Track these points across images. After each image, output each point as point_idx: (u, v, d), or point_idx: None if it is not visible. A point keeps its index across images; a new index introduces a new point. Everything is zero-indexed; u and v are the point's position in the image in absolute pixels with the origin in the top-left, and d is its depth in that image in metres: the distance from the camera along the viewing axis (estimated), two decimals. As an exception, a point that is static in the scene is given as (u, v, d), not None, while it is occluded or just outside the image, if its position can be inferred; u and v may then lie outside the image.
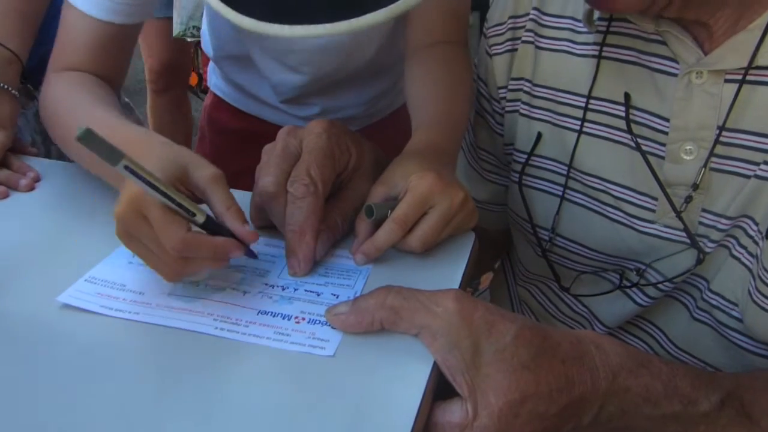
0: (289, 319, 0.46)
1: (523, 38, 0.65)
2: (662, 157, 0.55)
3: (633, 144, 0.56)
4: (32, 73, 0.93)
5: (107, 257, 0.52)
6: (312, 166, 0.49)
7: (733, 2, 0.49)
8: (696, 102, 0.52)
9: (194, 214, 0.44)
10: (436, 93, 0.65)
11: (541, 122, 0.64)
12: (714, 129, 0.52)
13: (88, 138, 0.38)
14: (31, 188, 0.63)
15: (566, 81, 0.61)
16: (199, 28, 1.59)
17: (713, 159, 0.52)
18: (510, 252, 0.80)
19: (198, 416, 0.39)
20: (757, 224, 0.51)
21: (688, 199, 0.54)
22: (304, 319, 0.46)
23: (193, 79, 2.60)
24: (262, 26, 0.41)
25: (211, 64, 0.98)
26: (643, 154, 0.55)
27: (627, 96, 0.56)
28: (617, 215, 0.59)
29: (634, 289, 0.60)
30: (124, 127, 0.54)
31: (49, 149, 1.01)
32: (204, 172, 0.46)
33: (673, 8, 0.48)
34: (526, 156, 0.65)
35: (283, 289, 0.49)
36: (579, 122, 0.60)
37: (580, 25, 0.60)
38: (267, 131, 0.92)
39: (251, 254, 0.48)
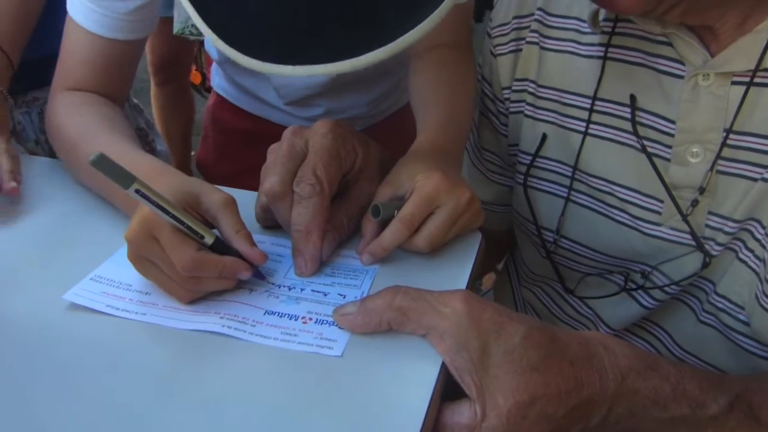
0: (296, 320, 0.46)
1: (528, 39, 0.64)
2: (668, 160, 0.55)
3: (639, 146, 0.56)
4: (30, 72, 0.93)
5: (112, 256, 0.52)
6: (318, 166, 0.49)
7: (738, 4, 0.49)
8: (703, 104, 0.52)
9: (203, 236, 0.45)
10: (441, 95, 0.65)
11: (546, 123, 0.64)
12: (721, 131, 0.52)
13: (102, 163, 0.40)
14: (11, 193, 0.60)
15: (571, 82, 0.61)
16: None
17: (720, 162, 0.52)
18: (514, 253, 0.80)
19: (205, 416, 0.38)
20: (764, 227, 0.51)
21: (695, 203, 0.54)
22: (311, 319, 0.46)
23: (197, 78, 2.60)
24: (266, 66, 0.42)
25: (214, 64, 0.98)
26: (649, 156, 0.55)
27: (633, 98, 0.56)
28: (623, 217, 0.59)
29: (639, 291, 0.60)
30: (136, 155, 0.55)
31: (53, 149, 1.01)
32: (214, 197, 0.47)
33: (675, 13, 0.48)
34: (530, 157, 0.65)
35: (290, 289, 0.49)
36: (584, 124, 0.60)
37: (586, 25, 0.60)
38: (270, 131, 0.92)
39: (259, 275, 0.48)
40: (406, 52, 0.43)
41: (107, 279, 0.49)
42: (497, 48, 0.67)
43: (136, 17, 0.63)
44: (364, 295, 0.48)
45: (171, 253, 0.44)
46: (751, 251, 0.53)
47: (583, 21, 0.60)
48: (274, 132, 0.89)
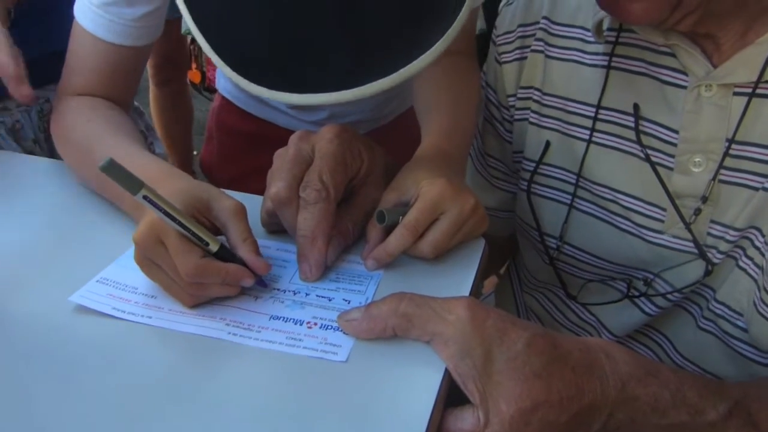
0: (301, 325, 0.46)
1: (533, 47, 0.65)
2: (671, 169, 0.55)
3: (642, 155, 0.56)
4: (29, 71, 0.93)
5: (118, 258, 0.52)
6: (324, 171, 0.50)
7: (741, 16, 0.49)
8: (705, 115, 0.53)
9: (208, 243, 0.46)
10: (445, 101, 0.66)
11: (550, 131, 0.64)
12: (723, 141, 0.52)
13: (111, 168, 0.41)
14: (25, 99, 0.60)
15: (576, 90, 0.62)
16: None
17: (722, 171, 0.53)
18: (516, 259, 0.80)
19: (209, 419, 0.39)
20: (764, 236, 0.52)
21: (697, 211, 0.54)
22: (316, 324, 0.46)
23: (196, 77, 2.61)
24: (273, 93, 0.43)
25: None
26: (653, 165, 0.56)
27: (636, 107, 0.57)
28: (626, 225, 0.59)
29: (642, 298, 0.61)
30: (144, 158, 0.56)
31: (53, 148, 1.01)
32: (225, 203, 0.48)
33: (687, 22, 0.49)
34: (534, 164, 0.65)
35: (295, 294, 0.49)
36: (588, 132, 0.60)
37: (590, 35, 0.60)
38: (275, 134, 0.93)
39: (262, 284, 0.49)
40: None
41: (113, 281, 0.50)
42: (502, 56, 0.68)
43: (143, 23, 0.64)
44: (369, 300, 0.49)
45: (176, 259, 0.44)
46: (751, 259, 0.53)
47: (588, 30, 0.60)
48: (279, 135, 0.89)
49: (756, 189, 0.52)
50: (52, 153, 1.01)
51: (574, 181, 0.62)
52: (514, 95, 0.67)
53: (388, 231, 0.52)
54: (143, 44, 0.66)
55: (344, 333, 0.45)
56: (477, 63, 0.74)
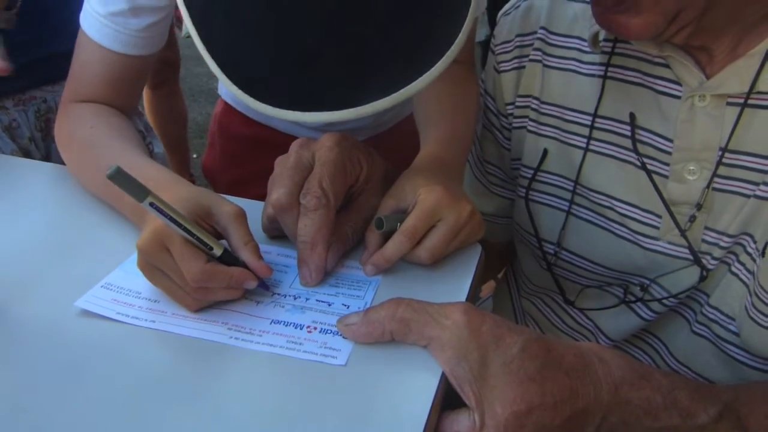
0: (301, 329, 0.47)
1: (531, 56, 0.66)
2: (666, 177, 0.56)
3: (638, 163, 0.57)
4: (28, 72, 0.94)
5: (122, 263, 0.53)
6: (324, 178, 0.50)
7: (733, 29, 0.50)
8: (699, 124, 0.54)
9: (212, 248, 0.47)
10: (444, 109, 0.67)
11: (548, 139, 0.65)
12: (716, 150, 0.53)
13: (118, 176, 0.42)
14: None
15: (573, 99, 0.63)
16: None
17: (716, 179, 0.54)
18: (514, 264, 0.81)
19: (210, 422, 0.40)
20: (755, 242, 0.53)
21: (692, 218, 0.55)
22: (316, 328, 0.47)
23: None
24: (277, 111, 0.44)
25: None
26: (648, 173, 0.57)
27: (632, 116, 0.58)
28: (622, 231, 0.60)
29: (638, 303, 0.62)
30: (147, 165, 0.57)
31: (49, 147, 1.03)
32: (225, 209, 0.49)
33: (682, 35, 0.50)
34: (532, 171, 0.66)
35: (295, 299, 0.50)
36: (585, 140, 0.61)
37: (587, 45, 0.61)
38: (277, 139, 0.94)
39: (264, 286, 0.50)
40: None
41: (117, 286, 0.51)
42: (501, 64, 0.69)
43: (148, 33, 0.65)
44: (368, 305, 0.50)
45: (181, 265, 0.45)
46: (743, 264, 0.54)
47: (584, 40, 0.62)
48: (281, 140, 0.90)
49: (748, 196, 0.53)
50: (48, 152, 1.03)
51: (571, 188, 0.63)
52: (512, 103, 0.68)
53: (387, 237, 0.53)
54: (148, 53, 0.67)
55: (343, 337, 0.46)
56: (475, 71, 0.75)
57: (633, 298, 0.62)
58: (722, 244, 0.55)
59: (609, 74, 0.59)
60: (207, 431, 0.39)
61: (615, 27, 0.50)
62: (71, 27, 0.96)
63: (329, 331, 0.47)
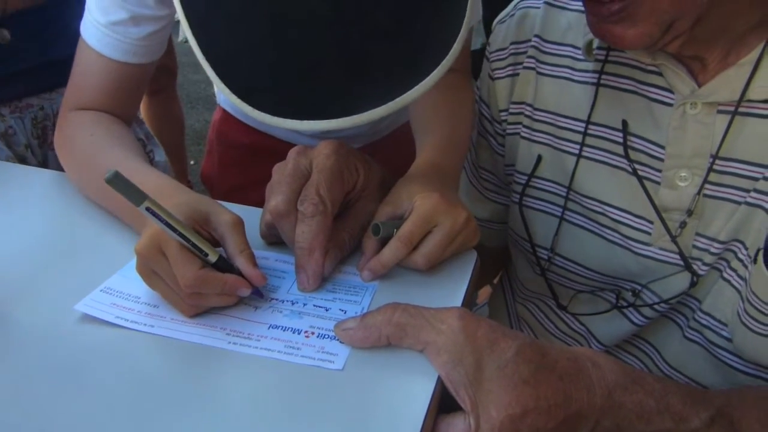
0: (299, 334, 0.47)
1: (525, 64, 0.67)
2: (658, 183, 0.57)
3: (630, 169, 0.58)
4: (24, 79, 0.95)
5: (122, 268, 0.53)
6: (321, 185, 0.51)
7: (724, 39, 0.51)
8: (690, 131, 0.54)
9: (207, 254, 0.47)
10: (440, 117, 0.68)
11: (541, 145, 0.66)
12: (707, 157, 0.54)
13: (116, 181, 0.43)
14: None
15: (566, 106, 0.64)
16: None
17: (707, 186, 0.55)
18: (509, 269, 0.82)
19: (210, 426, 0.40)
20: (746, 248, 0.54)
21: (683, 224, 0.56)
22: (313, 333, 0.48)
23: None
24: (275, 120, 0.45)
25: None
26: (640, 179, 0.58)
27: (625, 123, 0.59)
28: (614, 237, 0.61)
29: (630, 309, 0.62)
30: (146, 172, 0.57)
31: (46, 155, 1.03)
32: (223, 217, 0.50)
33: (675, 45, 0.51)
34: (526, 177, 0.67)
35: (293, 304, 0.51)
36: (578, 146, 0.62)
37: (580, 53, 0.62)
38: (275, 146, 0.95)
39: (258, 294, 0.50)
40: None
41: (117, 291, 0.51)
42: (495, 72, 0.70)
43: (148, 42, 0.66)
44: (365, 310, 0.50)
45: (176, 270, 0.46)
46: (735, 271, 0.55)
47: (578, 48, 0.62)
48: (279, 147, 0.90)
49: (739, 203, 0.54)
50: (45, 159, 1.03)
51: (564, 194, 0.64)
52: (506, 110, 0.69)
53: (383, 243, 0.53)
54: (148, 61, 0.68)
55: (340, 342, 0.46)
56: (471, 79, 0.76)
57: (625, 304, 0.63)
58: (713, 250, 0.56)
59: (602, 82, 0.60)
60: (205, 435, 0.40)
61: (610, 37, 0.51)
62: (69, 35, 0.96)
63: (326, 336, 0.47)
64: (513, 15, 0.69)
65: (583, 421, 0.43)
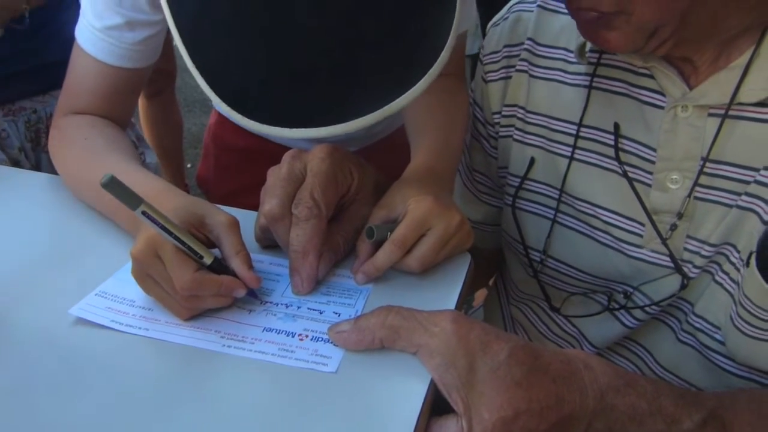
0: (293, 336, 0.48)
1: (518, 67, 0.67)
2: (649, 185, 0.58)
3: (621, 171, 0.59)
4: (18, 83, 0.95)
5: (117, 272, 0.54)
6: (316, 189, 0.51)
7: (714, 41, 0.52)
8: (681, 134, 0.55)
9: (202, 257, 0.48)
10: (434, 120, 0.68)
11: (534, 148, 0.66)
12: (698, 160, 0.55)
13: (112, 185, 0.43)
14: None
15: (558, 109, 0.64)
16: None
17: (697, 188, 0.55)
18: (503, 271, 0.82)
19: (204, 429, 0.40)
20: (738, 252, 0.54)
21: (674, 227, 0.56)
22: (307, 336, 0.48)
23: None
24: (265, 128, 0.45)
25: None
26: (630, 181, 0.58)
27: (616, 126, 0.59)
28: (606, 239, 0.61)
29: (621, 311, 0.63)
30: (141, 176, 0.58)
31: (39, 158, 1.03)
32: (219, 218, 0.50)
33: (664, 48, 0.51)
34: (519, 180, 0.67)
35: (287, 307, 0.51)
36: (570, 149, 0.63)
37: (572, 56, 0.62)
38: (271, 149, 0.95)
39: (253, 295, 0.50)
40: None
41: (112, 295, 0.51)
42: (488, 74, 0.70)
43: (143, 47, 0.66)
44: (358, 313, 0.50)
45: (172, 273, 0.46)
46: (727, 274, 0.55)
47: (570, 51, 0.63)
48: (274, 150, 0.90)
49: (730, 206, 0.54)
50: (38, 162, 1.03)
51: (557, 197, 0.64)
52: (499, 113, 0.69)
53: (377, 246, 0.53)
54: (143, 66, 0.68)
55: (334, 345, 0.47)
56: (465, 83, 0.76)
57: (616, 306, 0.63)
58: (704, 253, 0.56)
59: (594, 84, 0.60)
60: (200, 438, 0.40)
61: (597, 39, 0.51)
62: (62, 38, 0.97)
63: (320, 339, 0.47)
64: (506, 18, 0.69)
65: (576, 423, 0.43)
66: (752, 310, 0.52)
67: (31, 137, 1.01)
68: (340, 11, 0.44)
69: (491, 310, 0.84)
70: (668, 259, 0.58)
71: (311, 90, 0.45)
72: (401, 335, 0.44)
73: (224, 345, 0.47)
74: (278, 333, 0.48)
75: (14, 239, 0.60)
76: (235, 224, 0.50)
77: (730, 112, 0.53)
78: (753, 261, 0.51)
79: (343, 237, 0.55)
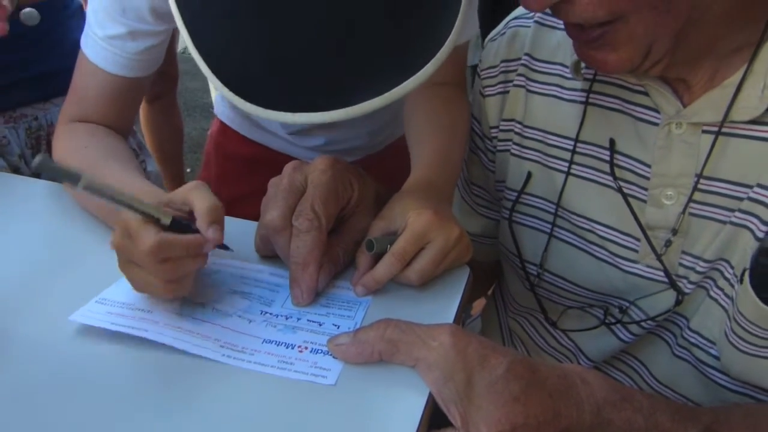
0: (292, 348, 0.48)
1: (515, 82, 0.68)
2: (644, 201, 0.58)
3: (616, 187, 0.59)
4: (19, 90, 0.95)
5: (118, 280, 0.54)
6: (316, 201, 0.52)
7: (707, 60, 0.53)
8: (675, 151, 0.56)
9: (159, 219, 0.47)
10: (435, 133, 0.68)
11: (531, 162, 0.67)
12: (692, 176, 0.55)
13: (45, 165, 0.42)
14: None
15: (555, 124, 0.65)
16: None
17: (692, 205, 0.56)
18: (501, 284, 0.83)
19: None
20: (732, 268, 0.55)
21: (668, 243, 0.57)
22: (306, 348, 0.48)
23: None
24: (267, 113, 0.45)
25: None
26: (626, 197, 0.59)
27: (612, 142, 0.60)
28: (602, 254, 0.62)
29: (617, 325, 0.63)
30: (139, 184, 0.58)
31: (57, 176, 1.03)
32: (187, 187, 0.50)
33: (657, 68, 0.52)
34: (516, 194, 0.68)
35: (287, 318, 0.51)
36: (567, 164, 0.63)
37: (569, 71, 0.63)
38: (272, 158, 0.96)
39: (224, 247, 0.50)
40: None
41: (112, 301, 0.51)
42: (486, 89, 0.71)
43: (145, 56, 0.66)
44: (358, 325, 0.51)
45: (136, 241, 0.45)
46: (721, 290, 0.56)
47: (567, 67, 0.64)
48: (276, 159, 0.91)
49: (724, 223, 0.55)
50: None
51: (553, 211, 0.65)
52: (496, 127, 0.70)
53: (377, 258, 0.54)
54: (145, 75, 0.68)
55: (333, 357, 0.47)
56: (466, 94, 0.77)
57: (613, 320, 0.64)
58: (698, 268, 0.57)
59: (590, 100, 0.61)
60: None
61: (593, 61, 0.52)
62: (64, 47, 0.97)
63: (320, 351, 0.48)
64: (504, 33, 0.70)
65: (572, 437, 0.43)
66: (746, 327, 0.53)
67: (32, 144, 1.01)
68: None
69: (489, 322, 0.85)
70: (663, 274, 0.58)
71: (314, 75, 0.44)
72: (400, 349, 0.45)
73: (223, 354, 0.47)
74: (278, 345, 0.48)
75: (14, 246, 0.60)
76: (201, 184, 0.50)
77: (724, 130, 0.53)
78: (747, 278, 0.52)
79: (343, 249, 0.55)
